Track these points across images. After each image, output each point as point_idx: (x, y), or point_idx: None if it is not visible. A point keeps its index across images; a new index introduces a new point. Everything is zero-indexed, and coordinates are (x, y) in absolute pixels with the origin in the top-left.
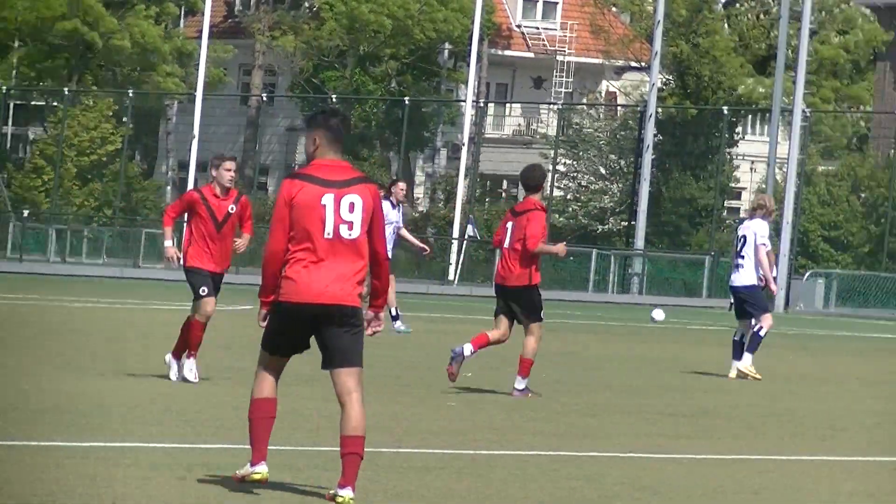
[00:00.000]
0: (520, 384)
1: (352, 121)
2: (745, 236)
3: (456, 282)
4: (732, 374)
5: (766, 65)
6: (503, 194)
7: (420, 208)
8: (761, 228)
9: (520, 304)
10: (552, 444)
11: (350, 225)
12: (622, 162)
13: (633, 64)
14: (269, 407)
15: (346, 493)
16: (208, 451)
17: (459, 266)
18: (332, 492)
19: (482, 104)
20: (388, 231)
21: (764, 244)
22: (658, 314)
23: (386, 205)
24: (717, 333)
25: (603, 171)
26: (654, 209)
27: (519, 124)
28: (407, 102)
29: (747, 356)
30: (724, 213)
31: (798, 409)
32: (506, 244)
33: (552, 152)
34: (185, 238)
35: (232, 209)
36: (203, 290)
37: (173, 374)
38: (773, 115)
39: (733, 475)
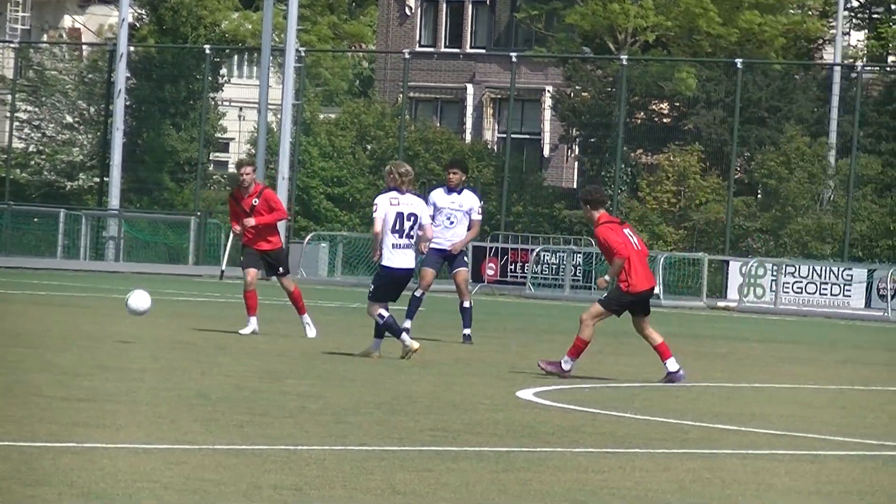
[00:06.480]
0: None
1: None
2: (414, 214)
3: None
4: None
5: None
6: None
7: None
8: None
9: None
10: None
11: None
12: (92, 109)
13: None
14: None
15: None
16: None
17: None
18: None
19: None
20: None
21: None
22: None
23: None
24: (206, 306)
25: (70, 119)
26: (130, 163)
27: None
28: None
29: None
30: (211, 168)
31: (213, 393)
32: None
33: (10, 97)
34: None
35: None
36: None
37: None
38: (264, 56)
39: (140, 466)
